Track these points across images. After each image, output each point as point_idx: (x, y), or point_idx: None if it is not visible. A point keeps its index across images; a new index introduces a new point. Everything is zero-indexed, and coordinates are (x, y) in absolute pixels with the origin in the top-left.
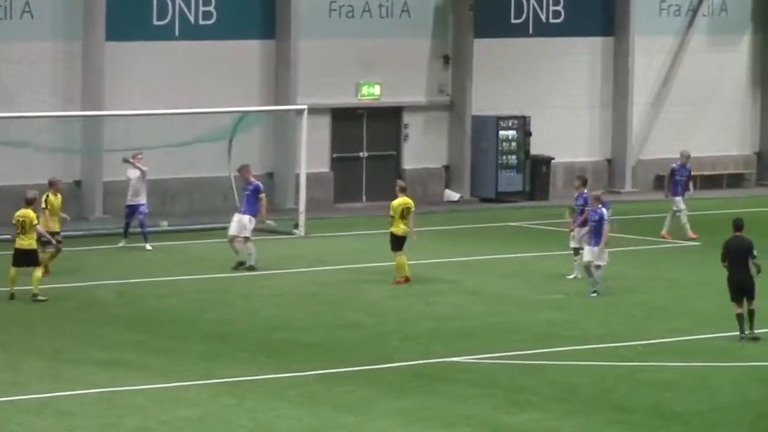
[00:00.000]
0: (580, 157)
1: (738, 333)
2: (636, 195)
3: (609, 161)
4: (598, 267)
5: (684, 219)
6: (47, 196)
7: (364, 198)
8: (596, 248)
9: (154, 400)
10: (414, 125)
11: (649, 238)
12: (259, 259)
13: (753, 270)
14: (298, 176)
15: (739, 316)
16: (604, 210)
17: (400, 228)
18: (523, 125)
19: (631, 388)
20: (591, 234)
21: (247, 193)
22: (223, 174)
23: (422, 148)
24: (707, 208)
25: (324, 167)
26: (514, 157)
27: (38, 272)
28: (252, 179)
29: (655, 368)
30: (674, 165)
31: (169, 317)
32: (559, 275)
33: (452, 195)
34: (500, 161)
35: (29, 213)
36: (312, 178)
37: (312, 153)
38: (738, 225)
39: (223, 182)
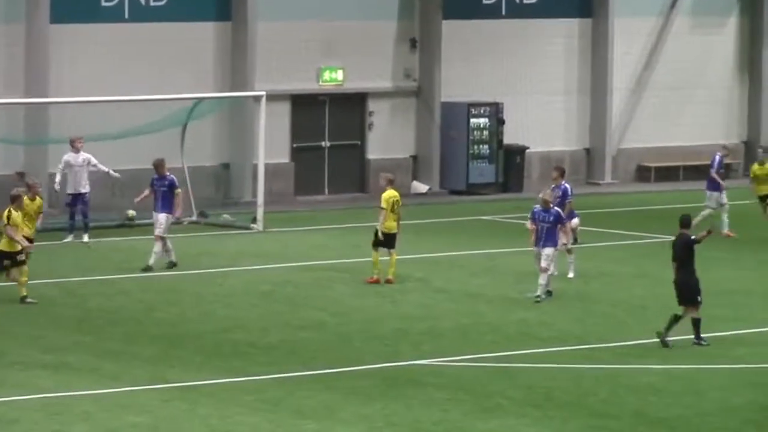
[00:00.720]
0: (556, 146)
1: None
2: (616, 187)
3: (587, 150)
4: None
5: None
6: (9, 211)
7: (326, 190)
8: (545, 249)
9: (102, 406)
10: (379, 113)
11: (629, 233)
12: (215, 255)
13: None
14: (255, 167)
15: (675, 317)
16: (558, 210)
17: (392, 224)
18: (495, 112)
19: (612, 393)
20: (542, 236)
21: (163, 189)
22: (175, 165)
23: (388, 137)
24: (693, 201)
25: (284, 158)
26: (486, 146)
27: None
28: (167, 174)
29: (637, 371)
30: (719, 155)
31: (117, 318)
32: (532, 272)
33: (420, 187)
34: (471, 151)
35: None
36: (271, 169)
37: (271, 142)
38: (684, 221)
39: (175, 173)
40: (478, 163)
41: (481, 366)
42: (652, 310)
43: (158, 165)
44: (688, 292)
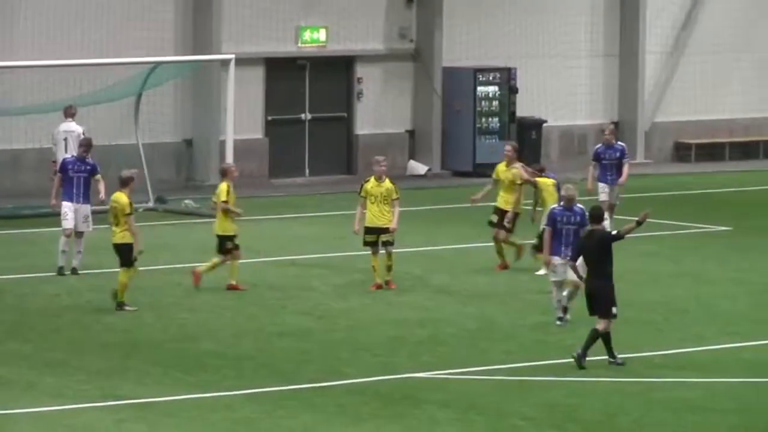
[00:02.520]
0: (578, 120)
1: None
2: (650, 167)
3: (616, 125)
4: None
5: None
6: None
7: (306, 172)
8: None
9: (43, 427)
10: (369, 80)
11: (665, 222)
12: (175, 248)
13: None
14: (223, 144)
15: (592, 333)
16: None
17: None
18: (507, 79)
19: (645, 411)
20: (564, 241)
21: (84, 175)
22: (128, 141)
23: (380, 109)
24: (741, 184)
25: (256, 133)
26: (495, 119)
27: (124, 276)
28: (91, 156)
29: (675, 385)
30: None
31: (60, 323)
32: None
33: (418, 168)
34: (478, 125)
35: (121, 198)
36: (241, 147)
37: (241, 115)
38: (595, 214)
39: (128, 151)
40: (487, 139)
41: (492, 380)
42: (694, 314)
43: (87, 144)
44: (601, 301)
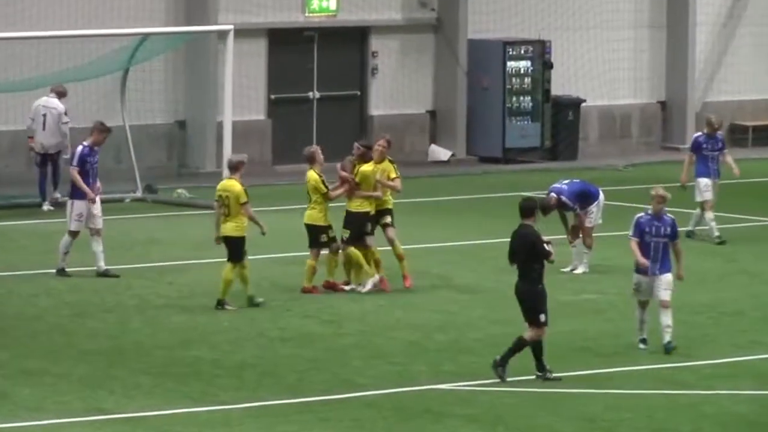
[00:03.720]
0: (621, 99)
1: None
2: None
3: (663, 105)
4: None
5: None
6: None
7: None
8: (664, 276)
9: None
10: (385, 53)
11: (718, 215)
12: (166, 243)
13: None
14: (220, 126)
15: (517, 341)
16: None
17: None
18: (540, 53)
19: (695, 426)
20: (653, 255)
21: (97, 165)
22: (114, 122)
23: (397, 87)
24: None
25: (258, 113)
26: (528, 98)
27: (229, 272)
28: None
29: (727, 398)
30: None
31: (38, 327)
32: (597, 266)
33: (440, 153)
34: (508, 105)
35: (233, 185)
36: (241, 130)
37: (241, 93)
38: (525, 209)
39: (114, 134)
40: (518, 121)
41: (523, 392)
42: (750, 318)
43: (104, 130)
44: (529, 307)
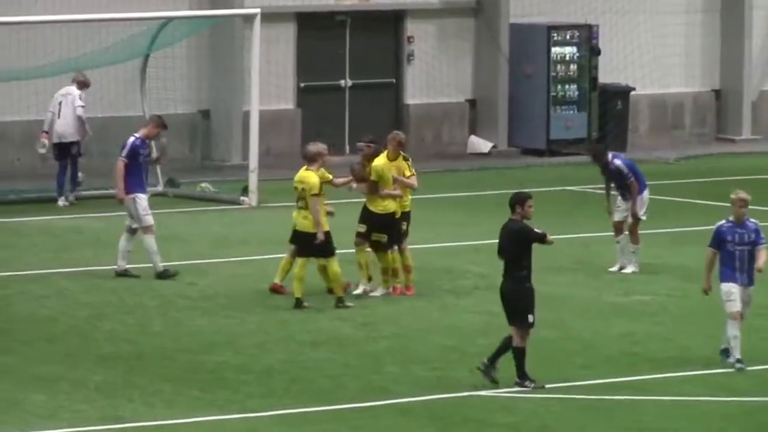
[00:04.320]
0: (673, 87)
1: None
2: (758, 144)
3: (717, 93)
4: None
5: None
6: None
7: (347, 149)
8: (749, 290)
9: None
10: (422, 39)
11: None
12: (188, 241)
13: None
14: (247, 116)
15: (505, 341)
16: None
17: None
18: (587, 38)
19: None
20: (738, 265)
21: (147, 158)
22: (133, 112)
23: (435, 74)
24: None
25: (287, 103)
26: (574, 87)
27: (334, 265)
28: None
29: None
30: None
31: (52, 330)
32: (646, 267)
33: (480, 145)
34: (553, 93)
35: (309, 177)
36: (269, 120)
37: (268, 81)
38: (517, 199)
39: (133, 124)
40: (563, 110)
41: (570, 399)
42: None
43: (160, 125)
44: (515, 307)
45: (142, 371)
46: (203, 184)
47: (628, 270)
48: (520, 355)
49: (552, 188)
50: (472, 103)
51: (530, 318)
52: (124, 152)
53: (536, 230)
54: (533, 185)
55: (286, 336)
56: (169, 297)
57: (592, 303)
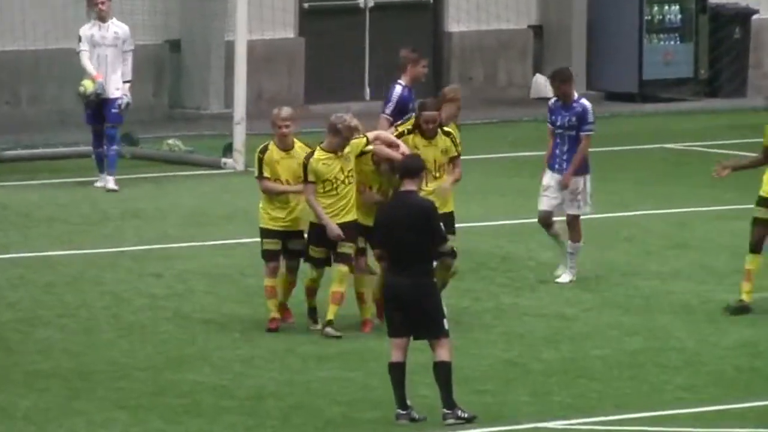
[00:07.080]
0: None
1: None
2: None
3: None
4: None
5: None
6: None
7: (366, 93)
8: None
9: None
10: None
11: None
12: (152, 218)
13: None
14: (230, 48)
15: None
16: None
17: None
18: None
19: None
20: None
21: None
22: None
23: None
24: None
25: (286, 30)
26: (675, 8)
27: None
28: None
29: None
30: None
31: None
32: None
33: (549, 87)
34: (648, 17)
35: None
36: (262, 53)
37: (261, 1)
38: (410, 168)
39: (76, 59)
40: (661, 41)
41: (663, 431)
42: None
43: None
44: (423, 310)
45: (87, 394)
46: (171, 141)
47: (564, 279)
48: (448, 374)
49: (646, 146)
50: (537, 30)
51: (445, 323)
52: (388, 108)
53: (441, 225)
54: (621, 142)
55: (282, 348)
56: (124, 294)
57: (698, 301)
